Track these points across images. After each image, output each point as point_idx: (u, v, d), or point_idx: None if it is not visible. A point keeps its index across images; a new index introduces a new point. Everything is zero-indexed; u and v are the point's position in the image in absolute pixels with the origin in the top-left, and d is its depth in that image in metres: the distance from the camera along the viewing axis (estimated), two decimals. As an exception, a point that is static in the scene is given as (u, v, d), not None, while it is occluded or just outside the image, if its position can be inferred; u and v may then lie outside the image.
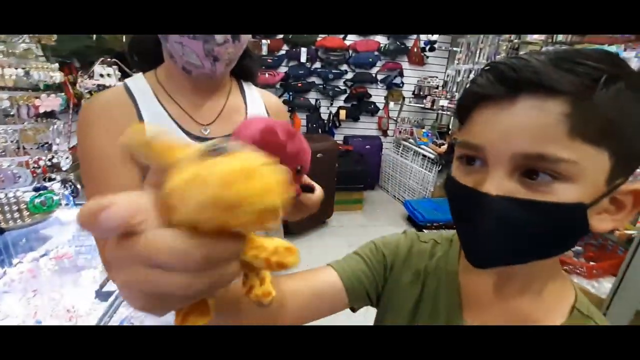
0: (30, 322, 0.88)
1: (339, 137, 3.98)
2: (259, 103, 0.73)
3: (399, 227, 3.36)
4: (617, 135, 0.29)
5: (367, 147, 3.92)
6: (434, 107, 3.58)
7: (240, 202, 0.16)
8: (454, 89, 3.56)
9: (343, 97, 3.91)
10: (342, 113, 3.90)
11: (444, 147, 3.29)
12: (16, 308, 0.91)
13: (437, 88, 3.72)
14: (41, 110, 0.88)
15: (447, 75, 3.81)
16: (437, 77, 3.86)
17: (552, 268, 0.39)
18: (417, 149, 3.56)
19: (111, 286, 0.98)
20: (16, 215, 0.89)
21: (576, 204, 0.30)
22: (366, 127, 4.13)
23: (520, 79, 0.30)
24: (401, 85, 3.95)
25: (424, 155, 3.45)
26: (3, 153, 0.86)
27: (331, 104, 3.92)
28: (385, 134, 4.16)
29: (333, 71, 3.73)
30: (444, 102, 3.40)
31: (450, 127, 3.79)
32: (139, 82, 0.62)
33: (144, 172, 0.61)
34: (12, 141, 0.87)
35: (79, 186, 1.03)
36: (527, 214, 0.30)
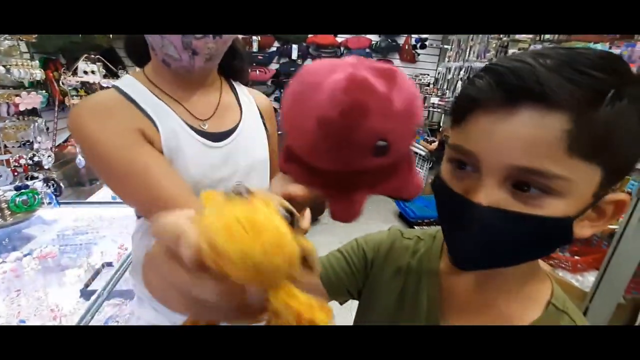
0: (14, 322, 0.87)
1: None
2: (250, 101, 0.75)
3: (390, 224, 3.37)
4: (612, 150, 0.29)
5: (359, 144, 3.94)
6: (425, 105, 3.60)
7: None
8: (445, 87, 3.58)
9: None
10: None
11: (435, 144, 3.31)
12: (-1, 308, 0.90)
13: (428, 85, 3.74)
14: (21, 108, 0.87)
15: (438, 73, 3.84)
16: (428, 75, 3.88)
17: (530, 267, 0.39)
18: (408, 146, 3.57)
19: (96, 285, 0.98)
20: (-3, 214, 0.88)
21: (564, 218, 0.30)
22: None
23: (522, 88, 0.28)
24: (393, 82, 3.96)
25: (415, 153, 3.48)
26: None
27: (323, 102, 3.92)
28: (377, 131, 4.18)
29: (324, 68, 3.72)
30: (434, 100, 3.42)
31: (441, 124, 3.82)
32: (128, 81, 0.62)
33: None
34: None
35: (62, 185, 1.01)
36: (516, 226, 0.31)
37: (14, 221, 0.93)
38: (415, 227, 3.11)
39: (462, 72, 3.37)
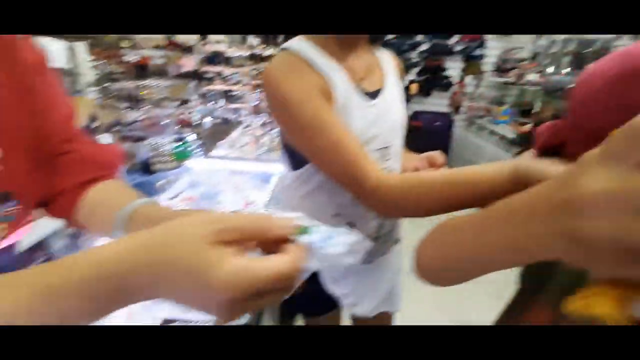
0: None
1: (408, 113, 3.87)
2: (388, 60, 0.78)
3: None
4: None
5: (436, 123, 3.76)
6: (520, 82, 3.26)
7: None
8: (546, 62, 3.19)
9: (416, 70, 3.75)
10: (413, 87, 3.76)
11: (528, 127, 3.02)
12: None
13: (524, 60, 3.37)
14: (183, 70, 1.02)
15: (539, 47, 3.42)
16: (524, 48, 3.49)
17: None
18: (493, 127, 3.32)
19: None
20: (162, 159, 1.07)
21: None
22: (437, 102, 3.93)
23: None
24: (482, 57, 3.65)
25: (502, 136, 3.21)
26: (153, 106, 1.02)
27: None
28: (457, 110, 3.93)
29: (407, 42, 3.56)
30: (532, 76, 3.08)
31: (535, 105, 3.44)
32: (298, 44, 0.67)
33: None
34: (161, 95, 1.03)
35: (206, 140, 1.18)
36: None
37: (171, 167, 1.11)
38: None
39: (569, 46, 2.96)
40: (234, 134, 1.76)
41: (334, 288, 0.92)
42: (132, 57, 1.05)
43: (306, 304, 0.98)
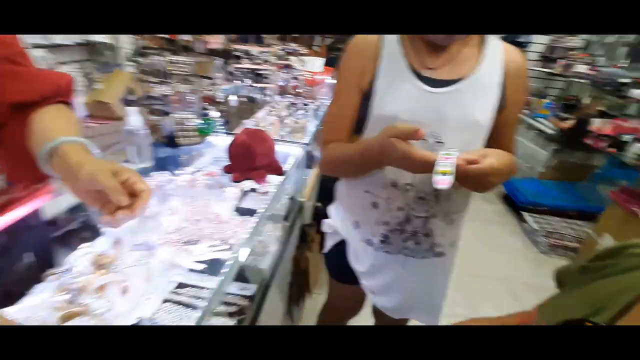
0: (191, 220, 1.12)
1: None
2: (497, 57, 0.70)
3: (493, 205, 3.11)
4: None
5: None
6: (567, 74, 3.02)
7: None
8: (599, 53, 2.91)
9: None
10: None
11: (570, 123, 2.81)
12: (179, 208, 1.16)
13: (574, 50, 3.09)
14: (210, 47, 1.04)
15: (593, 35, 3.12)
16: (576, 37, 3.19)
17: None
18: (531, 121, 3.12)
19: (248, 203, 1.19)
20: (186, 134, 1.11)
21: None
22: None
23: None
24: (526, 44, 3.39)
25: (540, 130, 3.02)
26: (181, 82, 1.05)
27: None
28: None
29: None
30: (581, 68, 2.83)
31: (582, 99, 3.18)
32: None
33: (361, 97, 0.76)
34: (189, 71, 1.06)
35: (231, 118, 1.21)
36: None
37: (194, 142, 1.16)
38: (523, 212, 2.81)
39: (630, 36, 2.67)
40: (260, 113, 1.79)
41: (354, 263, 0.94)
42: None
43: (332, 268, 1.05)
